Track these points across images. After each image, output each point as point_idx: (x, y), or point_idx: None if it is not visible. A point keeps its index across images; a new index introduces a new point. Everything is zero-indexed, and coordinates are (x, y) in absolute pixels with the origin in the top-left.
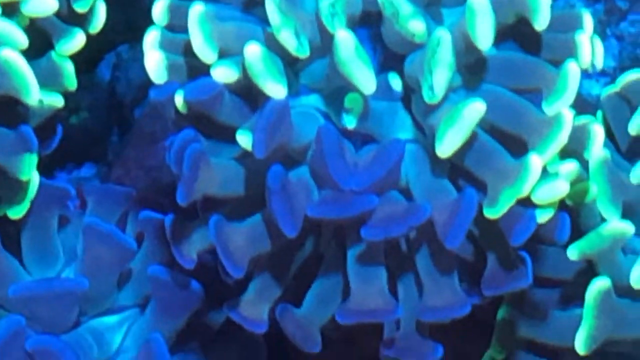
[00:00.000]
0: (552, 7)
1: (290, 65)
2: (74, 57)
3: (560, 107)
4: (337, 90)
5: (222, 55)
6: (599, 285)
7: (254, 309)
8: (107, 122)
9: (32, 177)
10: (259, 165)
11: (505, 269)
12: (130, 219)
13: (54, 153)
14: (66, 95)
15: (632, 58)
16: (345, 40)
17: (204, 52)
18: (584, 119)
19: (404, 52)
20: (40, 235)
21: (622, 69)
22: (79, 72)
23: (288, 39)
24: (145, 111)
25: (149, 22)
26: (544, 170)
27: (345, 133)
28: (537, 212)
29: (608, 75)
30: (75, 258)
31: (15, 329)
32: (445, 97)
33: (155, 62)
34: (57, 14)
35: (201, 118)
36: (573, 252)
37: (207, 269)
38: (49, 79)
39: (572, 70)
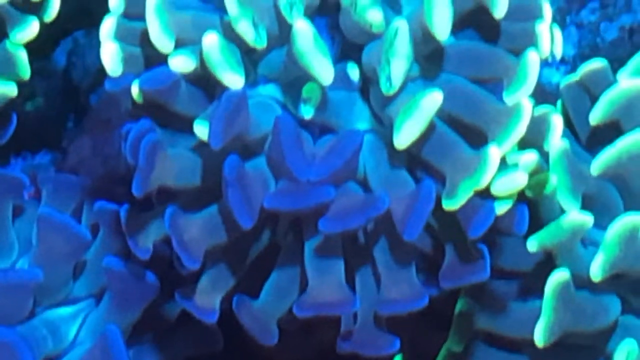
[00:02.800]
0: None
1: (248, 55)
2: (29, 43)
3: (521, 97)
4: (294, 80)
5: (179, 44)
6: (558, 277)
7: (206, 298)
8: (62, 108)
9: None
10: (215, 156)
11: (463, 261)
12: (85, 209)
13: (8, 140)
14: (21, 82)
15: (591, 46)
16: (304, 31)
17: (161, 41)
18: (543, 109)
19: (362, 42)
20: None
21: (582, 57)
22: (34, 58)
23: (246, 30)
24: (101, 98)
25: (105, 8)
26: (503, 162)
27: (303, 123)
28: (496, 203)
29: (568, 63)
30: (30, 248)
31: None
32: (402, 88)
33: (110, 54)
34: (12, 2)
35: (157, 108)
36: (532, 244)
37: (162, 260)
38: (2, 68)
39: (532, 59)
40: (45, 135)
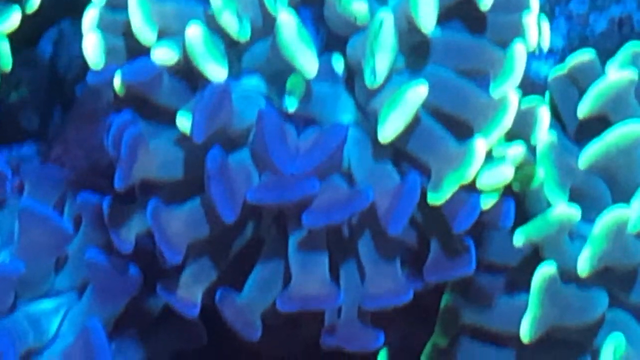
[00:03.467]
0: None
1: (232, 47)
2: (14, 33)
3: (507, 89)
4: (279, 73)
5: (162, 35)
6: (545, 271)
7: (188, 292)
8: (48, 98)
9: None
10: (198, 149)
11: (448, 255)
12: (68, 202)
13: None
14: (3, 73)
15: (581, 38)
16: (288, 22)
17: (144, 32)
18: (530, 102)
19: (347, 34)
20: None
21: (570, 48)
22: (19, 48)
23: (230, 22)
24: (86, 88)
25: None
26: (489, 155)
27: (287, 116)
28: (482, 197)
29: (557, 55)
30: (12, 241)
31: None
32: (387, 80)
33: (93, 46)
34: None
35: (140, 100)
36: (519, 238)
37: (145, 253)
38: None
39: (519, 51)
40: (30, 125)
